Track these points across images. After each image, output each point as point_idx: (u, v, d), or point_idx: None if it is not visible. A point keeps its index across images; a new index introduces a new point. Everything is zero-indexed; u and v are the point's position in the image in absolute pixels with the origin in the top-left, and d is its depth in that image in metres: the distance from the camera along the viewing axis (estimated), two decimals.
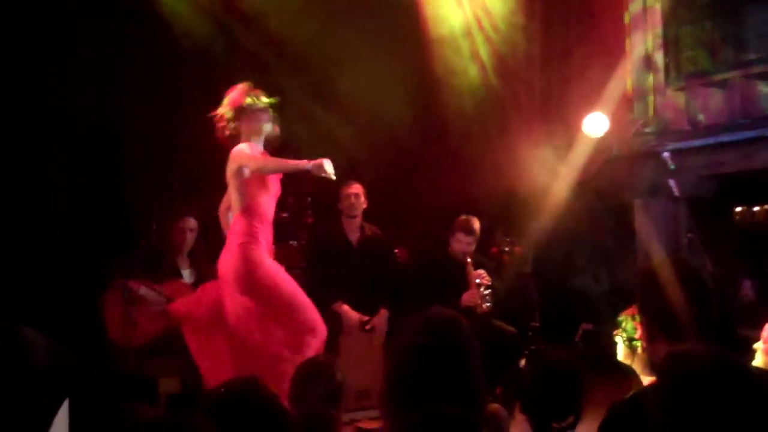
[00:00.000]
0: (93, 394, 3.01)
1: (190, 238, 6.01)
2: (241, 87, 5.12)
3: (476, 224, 6.20)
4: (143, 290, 5.46)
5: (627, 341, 3.67)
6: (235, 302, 4.91)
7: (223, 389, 2.69)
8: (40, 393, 1.78)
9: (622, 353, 3.92)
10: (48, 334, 1.88)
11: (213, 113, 5.10)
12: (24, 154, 6.49)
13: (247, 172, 4.99)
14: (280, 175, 5.21)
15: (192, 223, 6.03)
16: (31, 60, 6.51)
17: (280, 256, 6.58)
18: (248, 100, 5.07)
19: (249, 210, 5.00)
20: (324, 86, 7.27)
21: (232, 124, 5.08)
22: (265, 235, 5.08)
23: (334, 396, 3.48)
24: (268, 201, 5.11)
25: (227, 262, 4.97)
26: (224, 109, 5.09)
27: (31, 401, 1.77)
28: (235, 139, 5.09)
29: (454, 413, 2.40)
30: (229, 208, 5.24)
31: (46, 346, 1.88)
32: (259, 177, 5.02)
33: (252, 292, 4.92)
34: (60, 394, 1.86)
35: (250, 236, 4.97)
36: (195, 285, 5.76)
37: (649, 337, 2.66)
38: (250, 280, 4.93)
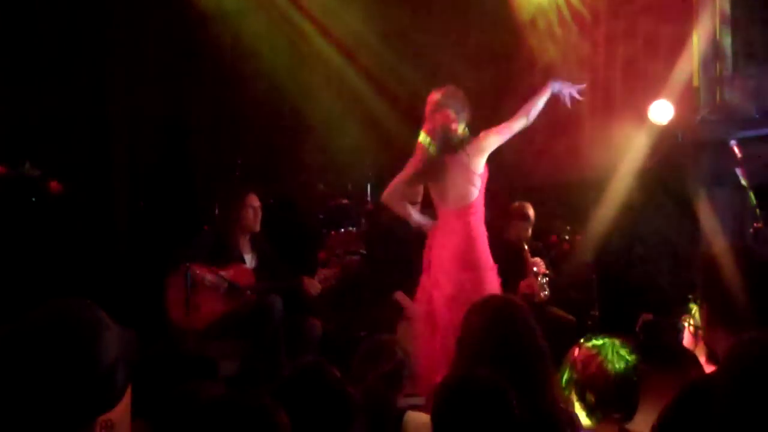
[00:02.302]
0: (157, 373, 3.11)
1: (253, 215, 5.98)
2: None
3: (530, 210, 6.24)
4: (208, 277, 5.55)
5: (693, 328, 3.64)
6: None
7: (288, 372, 2.76)
8: (112, 371, 1.85)
9: (687, 340, 3.91)
10: (115, 316, 1.95)
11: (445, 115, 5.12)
12: (95, 143, 6.77)
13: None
14: None
15: (255, 200, 6.02)
16: (105, 53, 6.92)
17: (339, 242, 6.69)
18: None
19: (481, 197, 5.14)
20: None
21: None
22: None
23: (395, 376, 3.51)
24: None
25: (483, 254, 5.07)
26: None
27: (104, 378, 1.83)
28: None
29: (483, 375, 2.46)
30: (407, 197, 5.29)
31: (115, 325, 1.95)
32: None
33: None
34: (128, 373, 1.92)
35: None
36: (256, 270, 5.86)
37: (710, 325, 2.65)
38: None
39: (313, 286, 5.84)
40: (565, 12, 7.54)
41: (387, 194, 5.24)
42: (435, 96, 5.14)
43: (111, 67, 7.04)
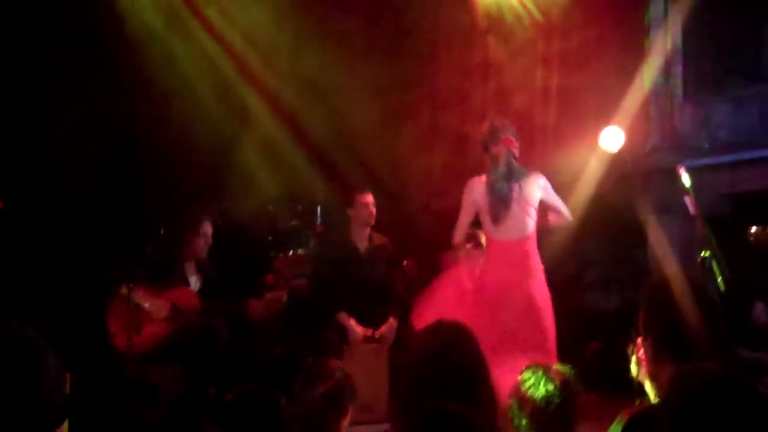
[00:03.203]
0: (96, 398, 3.06)
1: (204, 244, 5.95)
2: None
3: (483, 239, 6.20)
4: (150, 299, 5.50)
5: (636, 359, 3.70)
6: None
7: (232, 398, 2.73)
8: (50, 396, 1.82)
9: (634, 370, 3.97)
10: (53, 339, 1.91)
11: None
12: (36, 159, 6.75)
13: None
14: None
15: (208, 228, 5.98)
16: (45, 70, 6.90)
17: (287, 265, 6.65)
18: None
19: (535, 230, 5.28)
20: None
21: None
22: None
23: (334, 398, 3.49)
24: None
25: (543, 288, 5.24)
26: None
27: (42, 404, 1.80)
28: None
29: (454, 410, 2.46)
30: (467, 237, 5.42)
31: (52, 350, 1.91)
32: None
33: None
34: (66, 398, 1.89)
35: None
36: (201, 293, 5.81)
37: (654, 356, 2.66)
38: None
39: (258, 310, 5.79)
40: (518, 33, 7.67)
41: (459, 237, 5.34)
42: (495, 122, 5.32)
43: (53, 82, 7.00)
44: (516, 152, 5.27)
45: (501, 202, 5.23)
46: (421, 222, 7.56)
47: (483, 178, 5.36)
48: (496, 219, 5.26)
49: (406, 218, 7.18)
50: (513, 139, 5.26)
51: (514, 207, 5.22)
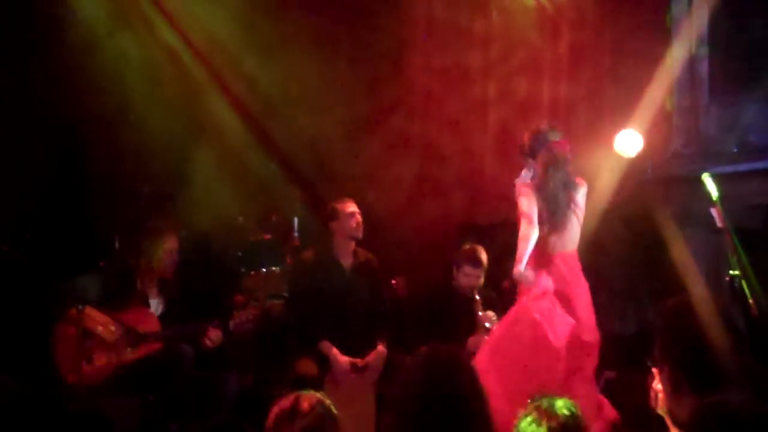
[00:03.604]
0: None
1: (170, 262, 5.99)
2: None
3: (484, 254, 6.23)
4: (101, 326, 5.46)
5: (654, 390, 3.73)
6: None
7: None
8: None
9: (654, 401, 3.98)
10: None
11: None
12: None
13: None
14: None
15: (174, 243, 6.01)
16: None
17: (259, 283, 6.63)
18: None
19: None
20: None
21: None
22: None
23: None
24: None
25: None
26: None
27: None
28: None
29: None
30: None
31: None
32: None
33: None
34: None
35: None
36: (163, 315, 5.80)
37: (673, 388, 2.64)
38: None
39: (214, 337, 5.77)
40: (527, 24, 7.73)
41: (524, 253, 5.39)
42: (542, 126, 5.56)
43: None
44: (570, 157, 5.48)
45: (563, 212, 5.46)
46: (395, 236, 7.63)
47: (530, 185, 5.50)
48: (557, 229, 5.49)
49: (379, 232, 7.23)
50: (565, 143, 5.50)
51: (572, 215, 5.49)
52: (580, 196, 5.56)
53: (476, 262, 6.19)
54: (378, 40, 7.98)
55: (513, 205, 5.68)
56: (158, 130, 7.34)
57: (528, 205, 5.39)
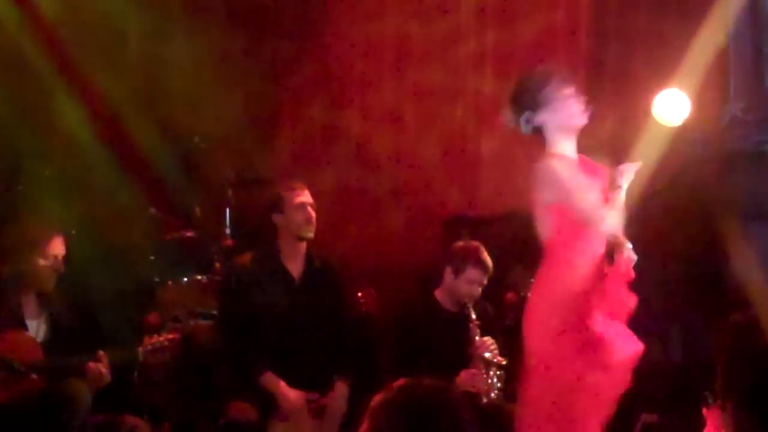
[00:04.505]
0: None
1: (51, 270, 5.93)
2: None
3: (486, 255, 6.25)
4: None
5: None
6: None
7: None
8: None
9: None
10: None
11: None
12: None
13: None
14: None
15: (59, 247, 5.97)
16: None
17: (179, 297, 6.63)
18: None
19: None
20: None
21: None
22: None
23: None
24: None
25: None
26: None
27: None
28: None
29: None
30: None
31: None
32: None
33: None
34: None
35: None
36: (47, 342, 5.79)
37: (737, 429, 2.65)
38: None
39: (98, 376, 5.68)
40: None
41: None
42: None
43: None
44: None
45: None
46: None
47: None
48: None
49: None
50: None
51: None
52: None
53: (484, 264, 6.20)
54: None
55: (518, 193, 5.66)
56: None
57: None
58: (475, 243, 6.34)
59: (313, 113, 8.32)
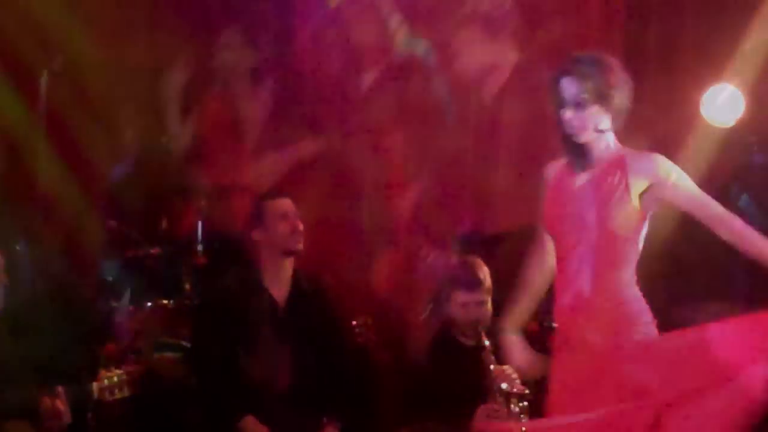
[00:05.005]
0: None
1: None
2: None
3: (483, 269, 6.25)
4: None
5: None
6: None
7: None
8: None
9: None
10: None
11: None
12: None
13: None
14: None
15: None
16: None
17: (142, 325, 6.65)
18: None
19: None
20: None
21: None
22: None
23: None
24: None
25: None
26: None
27: None
28: None
29: None
30: None
31: None
32: None
33: None
34: None
35: None
36: None
37: None
38: None
39: (55, 414, 5.65)
40: None
41: None
42: None
43: None
44: None
45: None
46: None
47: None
48: None
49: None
50: None
51: None
52: None
53: (472, 282, 6.18)
54: None
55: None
56: None
57: None
58: (461, 260, 6.43)
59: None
